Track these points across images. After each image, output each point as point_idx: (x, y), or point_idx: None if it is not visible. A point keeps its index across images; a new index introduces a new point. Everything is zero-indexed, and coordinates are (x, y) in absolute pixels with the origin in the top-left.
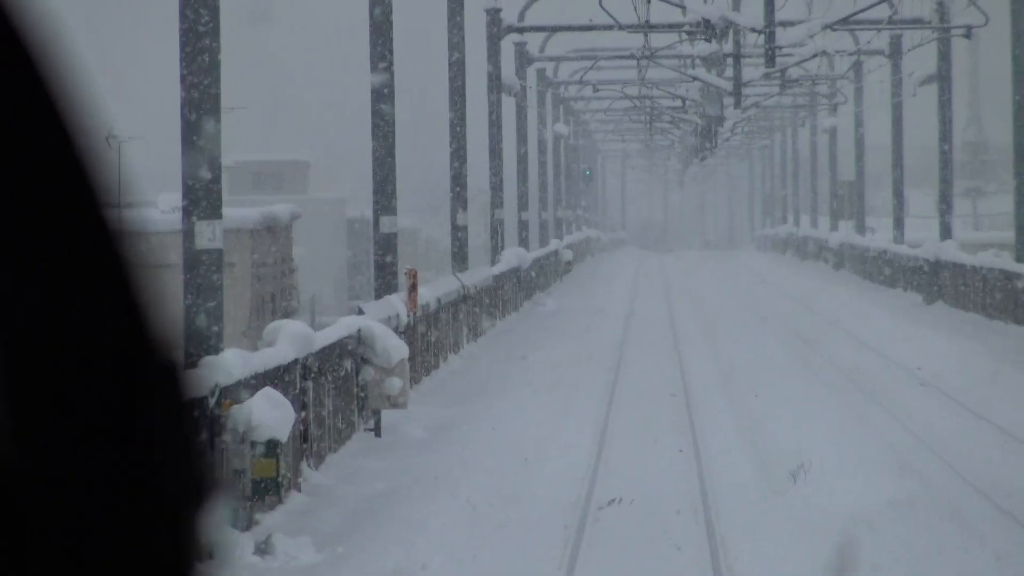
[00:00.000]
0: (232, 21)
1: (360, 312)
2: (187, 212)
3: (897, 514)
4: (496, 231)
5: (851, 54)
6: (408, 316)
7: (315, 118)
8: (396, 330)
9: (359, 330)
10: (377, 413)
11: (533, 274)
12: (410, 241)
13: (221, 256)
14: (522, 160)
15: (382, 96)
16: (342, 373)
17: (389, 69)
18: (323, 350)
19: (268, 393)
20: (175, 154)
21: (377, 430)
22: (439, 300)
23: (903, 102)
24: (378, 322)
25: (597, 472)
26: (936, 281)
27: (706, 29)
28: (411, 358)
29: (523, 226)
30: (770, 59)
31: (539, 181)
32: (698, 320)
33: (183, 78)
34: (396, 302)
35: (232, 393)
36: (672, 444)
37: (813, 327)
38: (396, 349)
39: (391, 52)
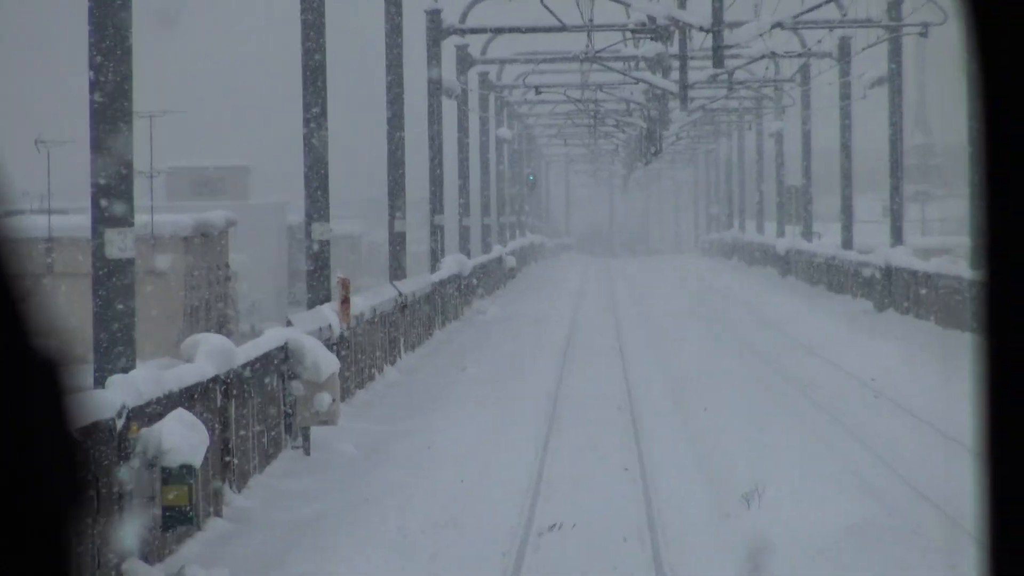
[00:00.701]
0: (149, 24)
1: (289, 324)
2: (96, 220)
3: (858, 540)
4: (436, 237)
5: (799, 55)
6: (341, 327)
7: (257, 123)
8: (328, 342)
9: (287, 343)
10: (306, 430)
11: (475, 281)
12: (353, 247)
13: (132, 267)
14: (464, 165)
15: (314, 98)
16: (268, 389)
17: (322, 68)
18: (247, 365)
19: (180, 415)
20: None
21: (306, 448)
22: (375, 309)
23: (851, 105)
24: (307, 334)
25: (538, 494)
26: (888, 288)
27: (652, 28)
28: (344, 371)
29: (465, 232)
30: (718, 59)
31: (481, 186)
32: (644, 328)
33: (92, 76)
34: (328, 312)
35: (142, 415)
36: (618, 462)
37: (762, 335)
38: (326, 363)
39: (323, 53)
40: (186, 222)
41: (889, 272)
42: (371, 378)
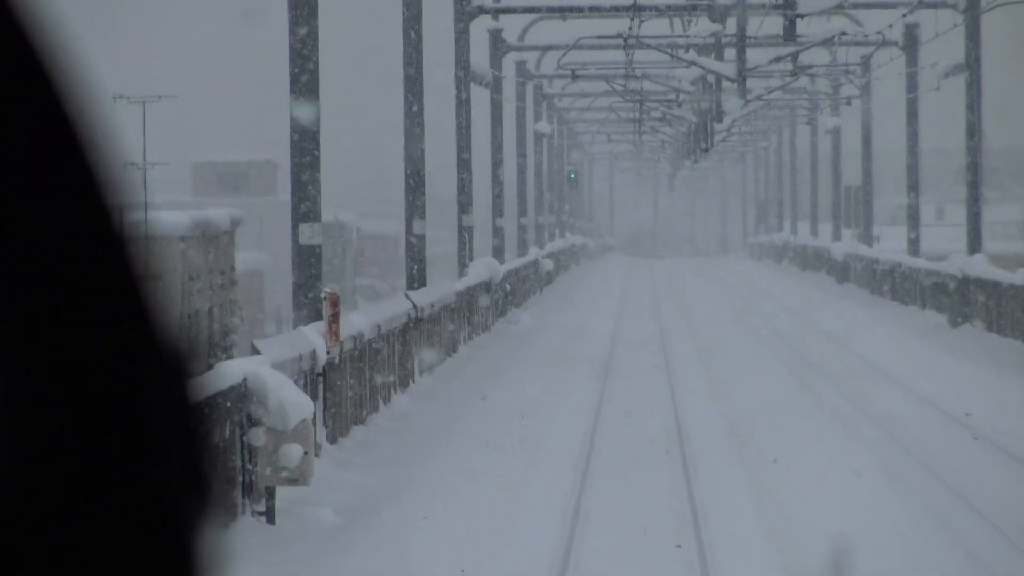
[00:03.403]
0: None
1: (255, 351)
2: None
3: None
4: (464, 240)
5: (867, 43)
6: (330, 352)
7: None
8: (312, 372)
9: (245, 380)
10: (270, 491)
11: (508, 287)
12: (390, 247)
13: None
14: (497, 160)
15: (301, 85)
16: (216, 440)
17: (311, 43)
18: None
19: None
20: None
21: (269, 515)
22: (379, 327)
23: (918, 99)
24: (275, 367)
25: None
26: (964, 301)
27: (708, 5)
28: (335, 405)
29: (499, 233)
30: (789, 32)
31: (519, 184)
32: (694, 345)
33: None
34: (312, 335)
35: None
36: (668, 534)
37: (829, 356)
38: (295, 406)
39: (314, 25)
40: (184, 220)
41: (966, 282)
42: (375, 409)
